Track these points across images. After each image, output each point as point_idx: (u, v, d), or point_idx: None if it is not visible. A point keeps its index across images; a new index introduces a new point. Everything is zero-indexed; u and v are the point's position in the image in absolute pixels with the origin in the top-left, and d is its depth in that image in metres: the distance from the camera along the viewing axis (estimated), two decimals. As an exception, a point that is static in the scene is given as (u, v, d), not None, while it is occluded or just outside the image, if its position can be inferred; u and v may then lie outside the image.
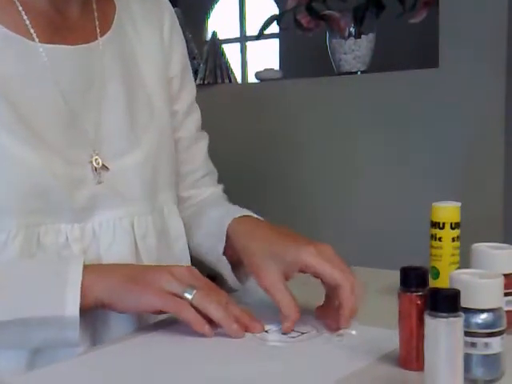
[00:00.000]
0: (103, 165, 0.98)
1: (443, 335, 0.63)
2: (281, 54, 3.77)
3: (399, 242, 1.96)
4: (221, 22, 4.06)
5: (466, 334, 0.66)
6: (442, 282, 0.94)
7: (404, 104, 2.00)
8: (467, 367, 0.67)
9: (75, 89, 0.97)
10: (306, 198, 2.17)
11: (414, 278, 0.73)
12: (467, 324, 0.68)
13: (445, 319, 0.63)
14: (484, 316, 0.69)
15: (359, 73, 2.15)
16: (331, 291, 0.89)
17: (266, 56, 3.86)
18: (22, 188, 0.90)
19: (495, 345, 0.69)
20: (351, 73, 2.15)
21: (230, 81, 2.51)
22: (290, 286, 0.90)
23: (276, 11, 3.53)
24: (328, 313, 0.89)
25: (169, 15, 1.13)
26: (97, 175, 0.97)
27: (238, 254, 0.98)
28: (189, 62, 1.18)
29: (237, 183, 2.31)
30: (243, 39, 4.13)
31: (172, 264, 0.99)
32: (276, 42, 3.78)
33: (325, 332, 0.87)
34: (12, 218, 0.90)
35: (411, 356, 0.73)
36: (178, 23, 1.16)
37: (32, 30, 0.95)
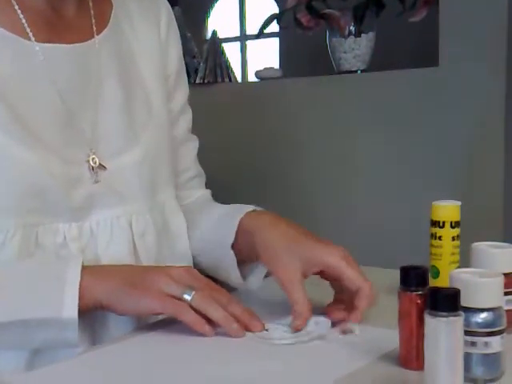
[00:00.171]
0: (100, 164, 0.97)
1: (443, 334, 0.63)
2: (281, 52, 3.77)
3: (399, 241, 1.96)
4: (221, 21, 4.06)
5: (466, 333, 0.66)
6: (442, 281, 0.94)
7: (404, 103, 2.00)
8: (467, 366, 0.67)
9: (72, 88, 0.97)
10: (305, 196, 2.17)
11: (413, 277, 0.73)
12: (467, 323, 0.68)
13: (445, 318, 0.63)
14: (484, 315, 0.69)
15: (359, 72, 2.15)
16: (348, 294, 0.89)
17: (265, 55, 3.87)
18: (19, 187, 0.90)
19: (495, 344, 0.69)
20: (351, 72, 2.15)
21: (230, 80, 2.51)
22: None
23: (276, 10, 3.53)
24: (337, 312, 0.90)
25: (166, 12, 1.13)
26: (94, 174, 0.97)
27: (255, 247, 0.96)
28: (183, 61, 1.18)
29: (237, 182, 2.31)
30: (243, 38, 4.13)
31: (174, 261, 0.99)
32: (276, 40, 3.79)
33: (326, 331, 0.87)
34: (10, 217, 0.90)
35: (411, 355, 0.73)
36: (174, 20, 1.16)
37: (28, 30, 0.95)
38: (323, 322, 0.88)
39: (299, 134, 2.20)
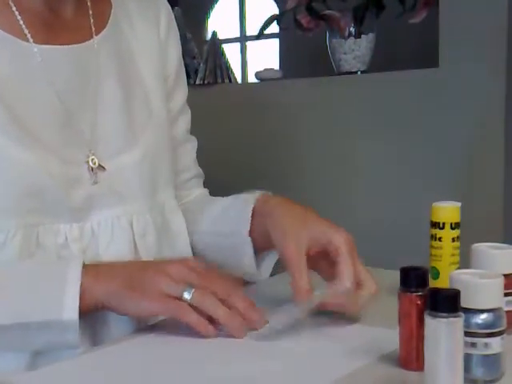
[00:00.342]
0: (99, 165, 0.97)
1: (443, 335, 0.63)
2: (281, 53, 3.77)
3: (399, 242, 1.96)
4: (221, 22, 4.07)
5: (466, 334, 0.66)
6: (442, 282, 0.94)
7: (404, 104, 2.00)
8: (467, 367, 0.67)
9: (71, 89, 0.97)
10: (305, 198, 2.16)
11: (414, 278, 0.73)
12: (467, 324, 0.68)
13: (445, 319, 0.63)
14: (484, 316, 0.69)
15: (359, 73, 2.15)
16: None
17: (265, 56, 3.87)
18: (18, 188, 0.90)
19: (495, 345, 0.69)
20: (351, 73, 2.15)
21: (230, 81, 2.51)
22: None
23: (276, 11, 3.53)
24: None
25: (165, 12, 1.13)
26: (93, 175, 0.97)
27: (267, 229, 0.96)
28: (183, 61, 1.18)
29: (237, 182, 2.31)
30: (243, 39, 4.13)
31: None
32: (276, 41, 3.79)
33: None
34: (10, 218, 0.90)
35: (411, 356, 0.73)
36: (174, 20, 1.16)
37: (26, 31, 0.95)
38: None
39: (299, 135, 2.20)
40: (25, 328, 0.84)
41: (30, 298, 0.85)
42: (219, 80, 2.47)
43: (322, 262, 0.92)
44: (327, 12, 2.12)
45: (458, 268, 0.95)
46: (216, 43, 2.53)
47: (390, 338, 0.77)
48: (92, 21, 1.02)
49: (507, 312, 0.72)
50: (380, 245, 1.99)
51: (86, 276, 0.85)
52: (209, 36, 2.78)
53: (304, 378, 0.75)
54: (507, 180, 1.86)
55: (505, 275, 0.73)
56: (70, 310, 0.83)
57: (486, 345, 0.69)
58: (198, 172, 1.22)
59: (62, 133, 0.95)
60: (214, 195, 1.22)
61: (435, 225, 0.97)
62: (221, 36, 2.59)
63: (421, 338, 0.66)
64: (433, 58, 1.94)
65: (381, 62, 2.14)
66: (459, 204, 0.98)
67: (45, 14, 0.98)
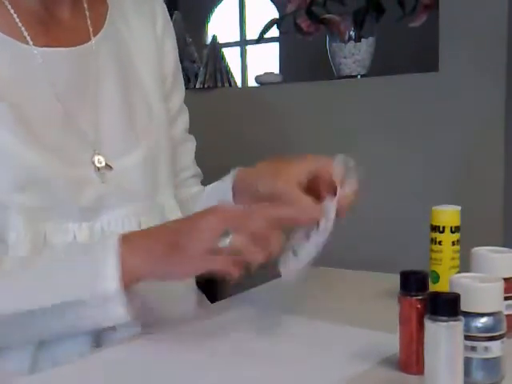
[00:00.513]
0: (106, 164, 0.98)
1: (443, 339, 0.63)
2: (281, 57, 3.77)
3: (399, 246, 1.96)
4: (221, 26, 4.07)
5: (466, 337, 0.66)
6: (442, 286, 0.94)
7: (404, 108, 2.00)
8: (467, 371, 0.67)
9: (71, 90, 0.98)
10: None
11: (414, 282, 0.73)
12: (467, 328, 0.68)
13: (445, 323, 0.63)
14: (484, 320, 0.69)
15: (359, 77, 2.15)
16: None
17: (266, 60, 3.87)
18: (27, 187, 0.90)
19: (495, 349, 0.69)
20: (351, 76, 2.15)
21: (230, 85, 2.51)
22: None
23: (276, 15, 3.53)
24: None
25: (161, 10, 1.14)
26: (100, 175, 0.97)
27: (252, 187, 0.99)
28: (179, 60, 1.19)
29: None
30: (243, 43, 4.13)
31: None
32: (276, 45, 3.79)
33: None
34: (19, 217, 0.90)
35: (411, 360, 0.73)
36: (169, 18, 1.17)
37: (26, 33, 0.96)
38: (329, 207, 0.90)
39: (299, 139, 2.20)
40: (71, 307, 0.83)
41: (70, 276, 0.85)
42: (219, 84, 2.47)
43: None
44: (327, 16, 2.12)
45: (458, 272, 0.95)
46: (216, 47, 2.53)
47: (390, 341, 0.77)
48: (89, 22, 1.03)
49: (507, 316, 0.72)
50: (380, 248, 1.99)
51: (124, 253, 0.85)
52: (209, 40, 2.78)
53: (304, 383, 0.75)
54: (507, 184, 1.86)
55: (505, 279, 0.73)
56: (112, 281, 0.83)
57: (486, 348, 0.69)
58: (196, 171, 1.23)
59: (64, 135, 0.95)
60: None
61: (435, 228, 0.97)
62: (221, 40, 2.59)
63: (421, 341, 0.66)
64: (433, 61, 1.94)
65: (381, 65, 2.14)
66: (459, 208, 0.98)
67: (41, 15, 0.98)
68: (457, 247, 0.97)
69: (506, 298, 0.74)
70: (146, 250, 0.86)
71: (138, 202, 1.01)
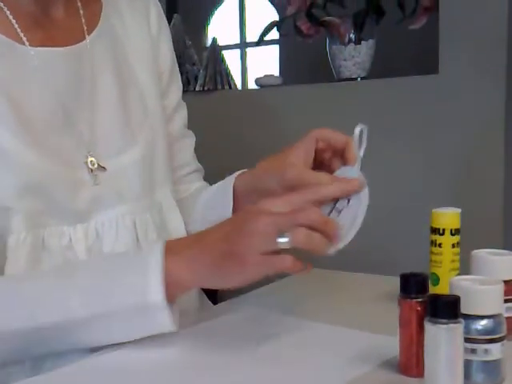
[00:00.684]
0: (99, 165, 0.98)
1: (443, 341, 0.63)
2: (281, 60, 3.77)
3: (399, 248, 1.96)
4: (221, 29, 4.07)
5: (466, 340, 0.66)
6: (442, 289, 0.94)
7: (404, 110, 2.00)
8: (467, 373, 0.67)
9: (67, 90, 0.98)
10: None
11: (413, 285, 0.73)
12: (467, 330, 0.68)
13: (445, 325, 0.63)
14: (484, 322, 0.69)
15: (359, 79, 2.15)
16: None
17: (266, 62, 3.87)
18: (26, 189, 0.90)
19: (495, 351, 0.69)
20: (351, 79, 2.15)
21: (230, 87, 2.51)
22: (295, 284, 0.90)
23: (276, 17, 3.53)
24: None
25: (155, 6, 1.14)
26: (93, 176, 0.97)
27: (258, 188, 1.01)
28: (175, 57, 1.19)
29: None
30: (243, 45, 4.13)
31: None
32: (276, 48, 3.79)
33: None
34: (20, 219, 0.90)
35: (411, 362, 0.73)
36: (164, 15, 1.17)
37: (22, 34, 0.96)
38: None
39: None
40: (112, 317, 0.83)
41: (114, 287, 0.84)
42: (219, 86, 2.47)
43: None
44: (327, 18, 2.13)
45: (458, 274, 0.95)
46: (216, 49, 2.53)
47: (390, 344, 0.77)
48: (83, 20, 1.03)
49: (507, 318, 0.72)
50: (380, 251, 1.99)
51: (170, 263, 0.83)
52: (209, 42, 2.79)
53: (304, 385, 0.75)
54: (507, 186, 1.86)
55: (505, 281, 0.73)
56: (155, 293, 0.81)
57: (486, 351, 0.69)
58: (197, 167, 1.23)
59: (61, 134, 0.96)
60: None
61: (435, 231, 0.97)
62: (221, 42, 2.59)
63: (421, 344, 0.66)
64: (433, 64, 1.94)
65: (381, 68, 2.14)
66: (459, 210, 0.98)
67: (36, 15, 0.98)
68: (457, 249, 0.97)
69: (506, 301, 0.74)
70: (192, 261, 0.84)
71: (133, 201, 1.01)
